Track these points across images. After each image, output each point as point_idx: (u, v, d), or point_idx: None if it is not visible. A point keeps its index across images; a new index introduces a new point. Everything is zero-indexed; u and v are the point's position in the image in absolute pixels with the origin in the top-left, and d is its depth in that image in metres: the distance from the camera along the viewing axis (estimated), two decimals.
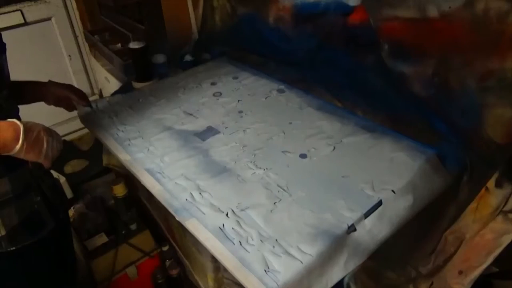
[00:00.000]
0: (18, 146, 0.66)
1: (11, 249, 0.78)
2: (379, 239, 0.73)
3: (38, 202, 0.82)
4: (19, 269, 0.83)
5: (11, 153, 0.67)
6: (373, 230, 0.73)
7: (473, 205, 0.78)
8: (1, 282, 0.83)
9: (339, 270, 0.68)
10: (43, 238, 0.83)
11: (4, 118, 0.71)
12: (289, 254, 0.66)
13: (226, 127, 1.01)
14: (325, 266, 0.67)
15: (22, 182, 0.78)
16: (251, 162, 0.88)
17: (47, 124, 0.76)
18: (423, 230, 0.90)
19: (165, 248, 1.43)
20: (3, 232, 0.76)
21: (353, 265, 0.70)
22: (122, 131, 1.03)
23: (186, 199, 0.79)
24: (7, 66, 0.81)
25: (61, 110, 1.02)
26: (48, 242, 0.85)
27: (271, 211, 0.75)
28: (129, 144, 0.97)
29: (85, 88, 2.13)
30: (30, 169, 0.81)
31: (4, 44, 0.80)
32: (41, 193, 0.84)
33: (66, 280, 0.95)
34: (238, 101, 1.12)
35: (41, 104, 0.97)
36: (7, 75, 0.81)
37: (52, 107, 0.99)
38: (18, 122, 0.68)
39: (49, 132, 0.73)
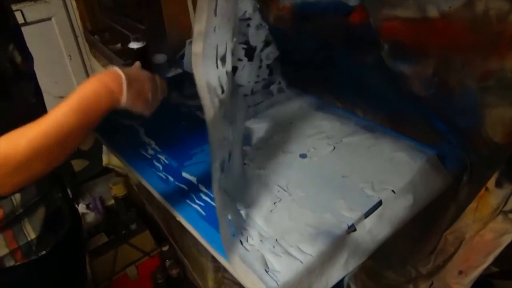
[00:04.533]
0: (123, 99, 0.59)
1: (42, 253, 0.74)
2: (379, 239, 0.73)
3: (60, 198, 0.79)
4: (45, 275, 0.78)
5: (118, 106, 0.60)
6: (373, 230, 0.73)
7: (473, 205, 0.78)
8: None
9: (339, 270, 0.68)
10: (63, 236, 0.79)
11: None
12: (289, 254, 0.66)
13: None
14: (325, 266, 0.67)
15: (46, 182, 0.75)
16: (251, 161, 0.88)
17: None
18: (423, 230, 0.90)
19: (165, 248, 1.43)
20: (33, 236, 0.72)
21: (353, 264, 0.70)
22: None
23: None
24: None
25: None
26: (67, 240, 0.81)
27: (271, 211, 0.75)
28: None
29: None
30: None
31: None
32: (62, 188, 0.81)
33: (77, 281, 0.92)
34: None
35: None
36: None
37: (52, 106, 0.97)
38: (119, 72, 0.61)
39: (154, 82, 0.65)
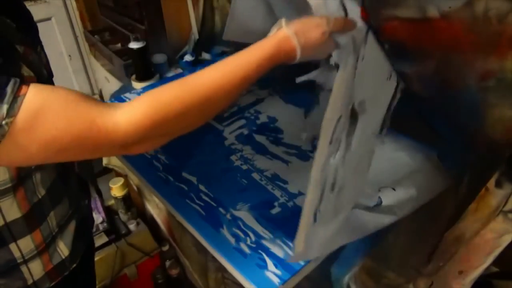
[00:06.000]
0: (298, 57, 0.54)
1: (73, 267, 0.69)
2: (379, 223, 0.72)
3: (86, 206, 0.76)
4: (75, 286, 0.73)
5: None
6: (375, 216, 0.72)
7: (473, 205, 0.78)
8: None
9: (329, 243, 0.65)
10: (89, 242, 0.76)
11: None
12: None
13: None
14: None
15: (74, 193, 0.71)
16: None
17: None
18: (423, 230, 0.90)
19: (165, 248, 1.43)
20: (66, 253, 0.67)
21: (345, 240, 0.68)
22: None
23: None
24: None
25: None
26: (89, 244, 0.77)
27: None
28: None
29: (85, 88, 2.13)
30: (77, 173, 0.73)
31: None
32: (87, 195, 0.78)
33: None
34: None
35: None
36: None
37: None
38: (294, 42, 0.51)
39: (327, 24, 0.53)
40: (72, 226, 0.68)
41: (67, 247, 0.67)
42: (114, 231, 1.41)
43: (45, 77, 0.58)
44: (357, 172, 0.64)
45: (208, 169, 0.87)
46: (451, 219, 0.85)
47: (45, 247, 0.64)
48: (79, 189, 0.74)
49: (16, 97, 0.42)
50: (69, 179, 0.69)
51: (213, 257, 0.72)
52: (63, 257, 0.66)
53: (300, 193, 0.79)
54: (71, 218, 0.68)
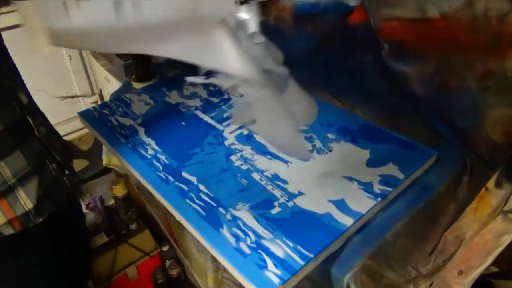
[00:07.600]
0: None
1: (39, 220, 0.75)
2: None
3: (55, 169, 0.81)
4: (45, 245, 0.80)
5: None
6: None
7: (473, 205, 0.78)
8: (30, 261, 0.78)
9: None
10: (62, 205, 0.81)
11: None
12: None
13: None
14: None
15: (35, 152, 0.76)
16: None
17: None
18: (423, 230, 0.90)
19: (165, 248, 1.43)
20: (30, 206, 0.73)
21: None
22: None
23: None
24: None
25: (60, 109, 0.99)
26: (65, 209, 0.83)
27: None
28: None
29: (85, 88, 2.13)
30: (38, 136, 0.78)
31: None
32: (54, 159, 0.83)
33: (82, 256, 0.94)
34: None
35: (40, 103, 0.96)
36: None
37: (52, 106, 0.98)
38: None
39: None
40: (34, 182, 0.73)
41: (31, 200, 0.72)
42: (114, 231, 1.41)
43: None
44: None
45: (208, 169, 0.87)
46: (451, 219, 0.85)
47: (2, 195, 0.69)
48: (43, 151, 0.78)
49: None
50: (26, 138, 0.74)
51: (213, 257, 0.72)
52: (27, 209, 0.72)
53: (300, 193, 0.79)
54: (32, 174, 0.72)
